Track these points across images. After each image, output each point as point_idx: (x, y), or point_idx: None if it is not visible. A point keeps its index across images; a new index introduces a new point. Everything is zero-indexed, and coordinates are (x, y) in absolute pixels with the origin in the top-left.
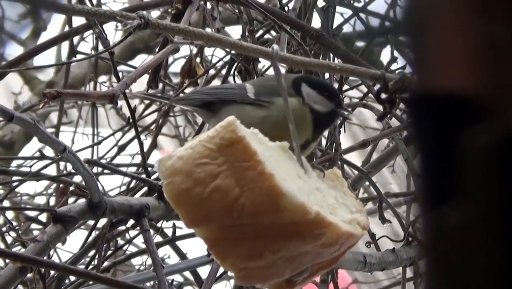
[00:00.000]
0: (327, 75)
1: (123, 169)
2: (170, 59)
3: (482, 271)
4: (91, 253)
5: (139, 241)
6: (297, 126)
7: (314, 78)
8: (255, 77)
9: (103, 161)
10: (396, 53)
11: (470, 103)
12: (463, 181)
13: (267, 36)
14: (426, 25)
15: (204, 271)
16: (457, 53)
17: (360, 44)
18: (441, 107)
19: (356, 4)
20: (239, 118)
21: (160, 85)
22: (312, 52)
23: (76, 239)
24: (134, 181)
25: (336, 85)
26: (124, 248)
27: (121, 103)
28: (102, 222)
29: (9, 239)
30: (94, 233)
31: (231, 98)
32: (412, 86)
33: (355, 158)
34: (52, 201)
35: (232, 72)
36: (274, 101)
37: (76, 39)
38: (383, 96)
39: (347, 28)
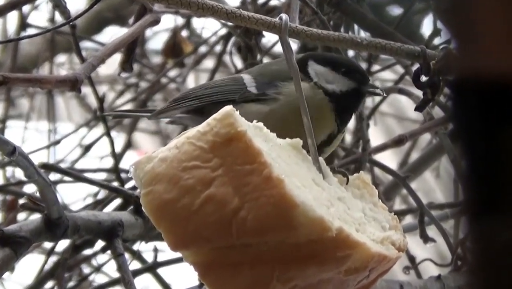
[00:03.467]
0: (351, 53)
1: (90, 175)
2: (149, 32)
3: None
4: (49, 284)
5: (111, 268)
6: (314, 118)
7: (323, 54)
8: (258, 55)
9: (63, 165)
10: (439, 24)
11: None
12: None
13: (273, 2)
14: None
15: None
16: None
17: (394, 11)
18: (491, 94)
19: None
20: None
21: (136, 67)
22: (332, 23)
23: (30, 265)
24: (103, 191)
25: (363, 66)
26: (91, 277)
27: (86, 90)
28: (63, 244)
29: None
30: (52, 259)
31: (228, 98)
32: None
33: (389, 158)
34: None
35: (228, 49)
36: (281, 91)
37: (26, 8)
38: (424, 78)
39: None
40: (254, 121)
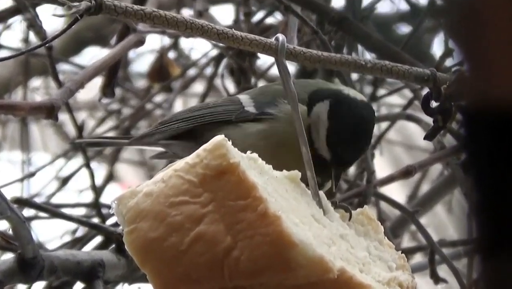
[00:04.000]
0: (355, 76)
1: (67, 210)
2: (132, 54)
3: None
4: None
5: None
6: (290, 150)
7: (347, 100)
8: (252, 79)
9: (38, 199)
10: (451, 43)
11: None
12: None
13: (269, 20)
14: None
15: None
16: None
17: (401, 30)
18: (505, 124)
19: None
20: (234, 141)
21: (118, 92)
22: (333, 44)
23: None
24: (82, 228)
25: (368, 89)
26: None
27: (64, 117)
28: (38, 286)
29: None
30: None
31: (224, 119)
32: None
33: (397, 191)
34: None
35: (220, 72)
36: (282, 108)
37: None
38: (434, 104)
39: (382, 8)
40: (248, 152)
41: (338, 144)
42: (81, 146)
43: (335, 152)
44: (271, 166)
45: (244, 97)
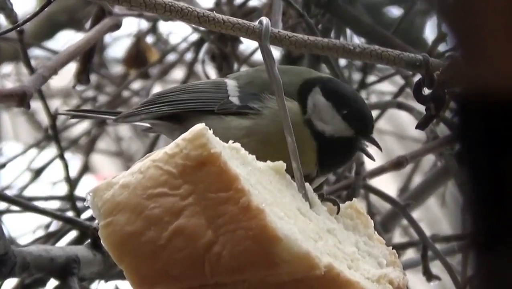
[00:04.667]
0: (343, 62)
1: (40, 204)
2: (108, 38)
3: None
4: None
5: None
6: (275, 148)
7: (335, 84)
8: (235, 64)
9: (9, 192)
10: (445, 27)
11: None
12: None
13: (252, 3)
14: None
15: None
16: None
17: (392, 13)
18: (499, 112)
19: None
20: (215, 133)
21: (93, 78)
22: (320, 27)
23: None
24: (56, 222)
25: (358, 76)
26: None
27: (36, 105)
28: (10, 283)
29: None
30: None
31: (206, 108)
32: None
33: (387, 184)
34: None
35: (200, 57)
36: (267, 104)
37: None
38: (426, 91)
39: None
40: (230, 141)
41: (354, 112)
42: (55, 129)
43: (357, 123)
44: (254, 157)
45: (231, 83)
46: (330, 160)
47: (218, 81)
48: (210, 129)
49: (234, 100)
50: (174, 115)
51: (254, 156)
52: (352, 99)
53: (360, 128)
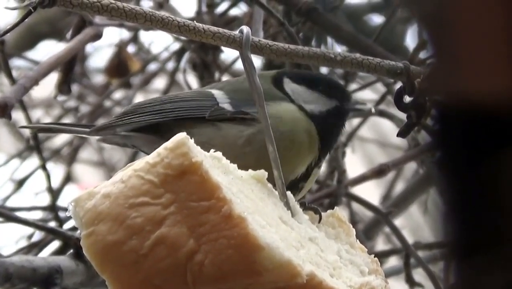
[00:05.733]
0: (324, 70)
1: (23, 214)
2: (89, 48)
3: None
4: None
5: None
6: (302, 145)
7: (296, 71)
8: (216, 73)
9: None
10: (425, 35)
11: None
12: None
13: (233, 12)
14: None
15: None
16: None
17: (373, 21)
18: (475, 120)
19: None
20: (211, 142)
21: (75, 88)
22: (301, 36)
23: None
24: (39, 232)
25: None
26: None
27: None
28: None
29: None
30: None
31: (197, 115)
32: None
33: (369, 192)
34: None
35: (182, 66)
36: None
37: None
38: (408, 99)
39: None
40: (212, 150)
41: (325, 85)
42: (36, 140)
43: (334, 93)
44: (235, 165)
45: (217, 92)
46: (328, 139)
47: (202, 91)
48: (206, 141)
49: (226, 106)
50: (154, 127)
51: (235, 166)
52: (318, 76)
53: (341, 96)
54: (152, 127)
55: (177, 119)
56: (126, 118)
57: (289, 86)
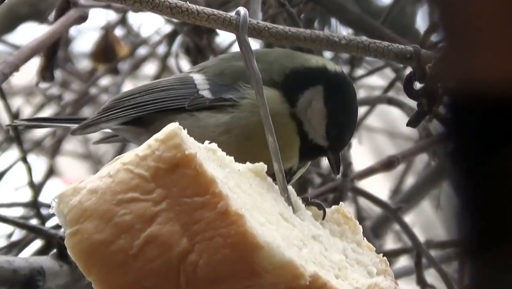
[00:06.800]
0: (328, 54)
1: (2, 211)
2: (74, 31)
3: None
4: None
5: None
6: (258, 143)
7: (341, 86)
8: (211, 58)
9: None
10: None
11: None
12: None
13: None
14: None
15: None
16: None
17: (381, 1)
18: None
19: None
20: (192, 136)
21: (58, 75)
22: (303, 17)
23: None
24: (19, 230)
25: (344, 70)
26: None
27: None
28: None
29: None
30: None
31: (175, 106)
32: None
33: (378, 186)
34: None
35: (174, 50)
36: (244, 94)
37: None
38: (418, 86)
39: None
40: (206, 142)
41: (338, 130)
42: (17, 130)
43: (334, 139)
44: (232, 158)
45: (198, 77)
46: (306, 158)
47: (183, 76)
48: (184, 129)
49: (205, 93)
50: (139, 119)
51: (232, 158)
52: (346, 113)
53: (334, 144)
54: (138, 119)
55: (159, 111)
56: (106, 114)
57: (314, 97)
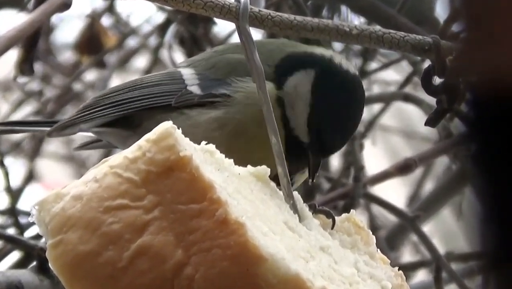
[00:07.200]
0: (338, 46)
1: None
2: (56, 20)
3: None
4: None
5: None
6: (254, 141)
7: (338, 75)
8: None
9: None
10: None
11: None
12: None
13: None
14: None
15: None
16: None
17: None
18: None
19: None
20: (182, 133)
21: (39, 68)
22: (310, 4)
23: None
24: None
25: (356, 62)
26: None
27: None
28: None
29: None
30: None
31: (162, 103)
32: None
33: (393, 192)
34: None
35: (167, 41)
36: (237, 88)
37: None
38: (437, 81)
39: None
40: (203, 142)
41: (321, 125)
42: None
43: (316, 135)
44: (231, 161)
45: (187, 72)
46: (293, 152)
47: (170, 72)
48: (177, 128)
49: (194, 89)
50: (125, 121)
51: (231, 161)
52: (336, 107)
53: (316, 142)
54: (124, 120)
55: (145, 109)
56: (86, 113)
57: (303, 79)
